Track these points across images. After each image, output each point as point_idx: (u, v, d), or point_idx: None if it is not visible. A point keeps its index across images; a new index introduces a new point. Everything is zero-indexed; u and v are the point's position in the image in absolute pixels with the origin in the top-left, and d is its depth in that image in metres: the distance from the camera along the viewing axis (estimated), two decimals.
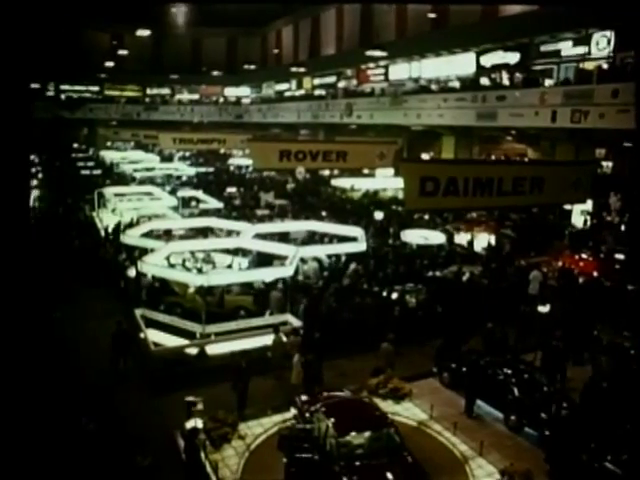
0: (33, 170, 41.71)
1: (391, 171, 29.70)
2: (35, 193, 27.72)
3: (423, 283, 16.53)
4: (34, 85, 50.59)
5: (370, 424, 9.00)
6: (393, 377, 11.80)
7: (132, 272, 16.66)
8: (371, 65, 37.08)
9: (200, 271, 15.77)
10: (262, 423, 10.47)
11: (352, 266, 17.81)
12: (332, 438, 8.55)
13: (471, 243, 22.15)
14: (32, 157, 45.70)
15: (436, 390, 11.93)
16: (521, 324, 14.13)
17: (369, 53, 30.68)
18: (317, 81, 44.71)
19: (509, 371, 11.00)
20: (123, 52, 48.79)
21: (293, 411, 10.14)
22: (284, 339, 12.90)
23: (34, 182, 35.31)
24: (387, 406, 10.88)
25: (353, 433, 8.67)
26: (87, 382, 10.67)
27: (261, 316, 14.27)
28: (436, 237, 20.72)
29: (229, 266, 17.24)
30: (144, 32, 40.47)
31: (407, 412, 10.97)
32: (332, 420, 8.79)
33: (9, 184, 3.51)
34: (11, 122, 3.48)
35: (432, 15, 32.08)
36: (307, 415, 9.46)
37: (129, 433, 9.20)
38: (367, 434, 8.75)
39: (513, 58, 26.49)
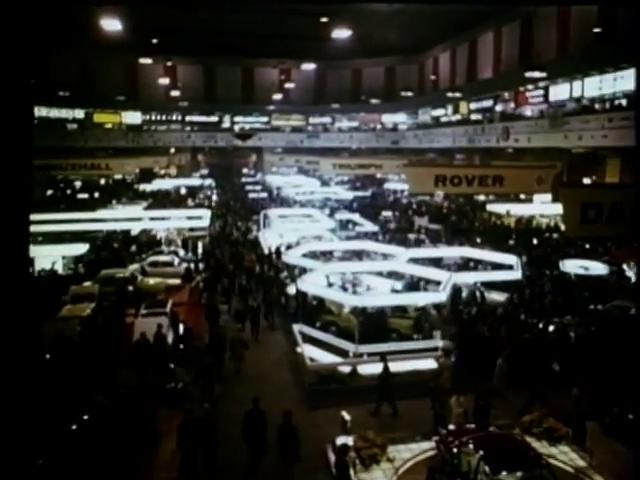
0: (209, 193, 46.70)
1: (548, 196, 28.22)
2: (211, 213, 30.88)
3: (583, 317, 15.47)
4: (213, 119, 57.00)
5: (524, 463, 8.48)
6: (548, 416, 11.23)
7: (292, 289, 17.99)
8: (530, 87, 35.65)
9: (345, 290, 16.51)
10: (410, 448, 10.43)
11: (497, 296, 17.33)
12: (484, 475, 8.20)
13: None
14: (210, 182, 51.14)
15: (596, 435, 11.04)
16: None
17: (528, 74, 29.65)
18: (473, 105, 44.00)
19: None
20: (290, 85, 52.60)
21: (435, 439, 10.05)
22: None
23: (212, 204, 39.40)
24: (541, 447, 10.23)
25: (505, 472, 8.20)
26: None
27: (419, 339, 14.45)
28: (597, 268, 19.24)
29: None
30: (309, 66, 43.42)
31: (563, 456, 10.23)
32: (484, 456, 8.43)
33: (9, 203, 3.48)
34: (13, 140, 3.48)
35: (597, 29, 30.04)
36: (453, 448, 9.22)
37: None
38: (520, 474, 8.25)
39: None
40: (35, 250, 22.16)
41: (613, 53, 27.81)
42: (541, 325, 15.22)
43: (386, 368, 12.21)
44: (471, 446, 8.83)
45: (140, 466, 10.02)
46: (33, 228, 22.76)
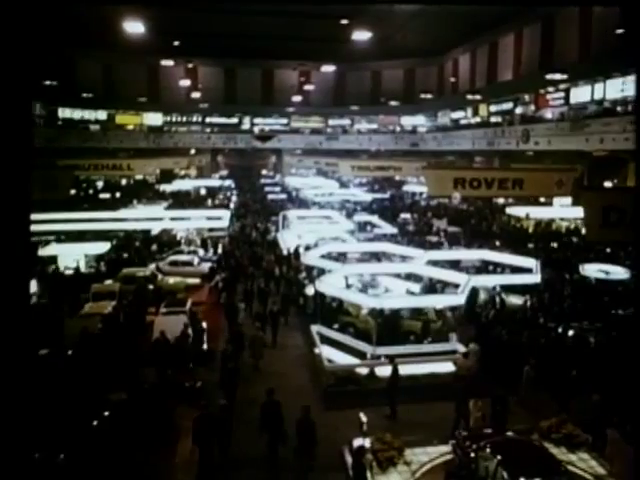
0: (229, 194, 47.06)
1: (568, 199, 27.91)
2: (230, 214, 31.13)
3: (603, 322, 15.28)
4: (233, 120, 57.46)
5: (542, 469, 8.42)
6: (567, 421, 11.11)
7: (310, 290, 18.08)
8: (550, 89, 35.33)
9: (365, 291, 16.56)
10: (428, 452, 10.39)
11: (515, 299, 17.17)
12: None
13: None
14: (230, 183, 51.52)
15: (616, 443, 10.85)
16: None
17: (549, 77, 29.40)
18: (493, 108, 43.78)
19: None
20: (309, 87, 52.76)
21: (452, 442, 10.05)
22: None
23: (230, 204, 39.69)
24: (560, 453, 10.12)
25: (523, 478, 8.12)
26: None
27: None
28: (618, 272, 18.99)
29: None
30: (329, 68, 43.51)
31: (582, 463, 10.07)
32: (502, 462, 8.37)
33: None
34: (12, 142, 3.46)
35: (620, 31, 29.62)
36: (470, 452, 9.21)
37: None
38: None
39: None
40: (58, 248, 22.65)
41: (636, 54, 27.37)
42: (560, 330, 15.08)
43: (395, 371, 12.23)
44: (489, 451, 8.78)
45: (159, 463, 10.16)
46: (57, 227, 23.29)
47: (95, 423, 10.23)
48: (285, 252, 24.02)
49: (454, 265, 18.94)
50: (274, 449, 10.17)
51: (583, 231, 25.58)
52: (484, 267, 20.03)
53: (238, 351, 13.97)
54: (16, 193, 3.48)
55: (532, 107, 38.86)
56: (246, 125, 57.91)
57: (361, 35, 21.69)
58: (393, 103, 53.71)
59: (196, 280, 21.40)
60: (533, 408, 12.04)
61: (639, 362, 7.75)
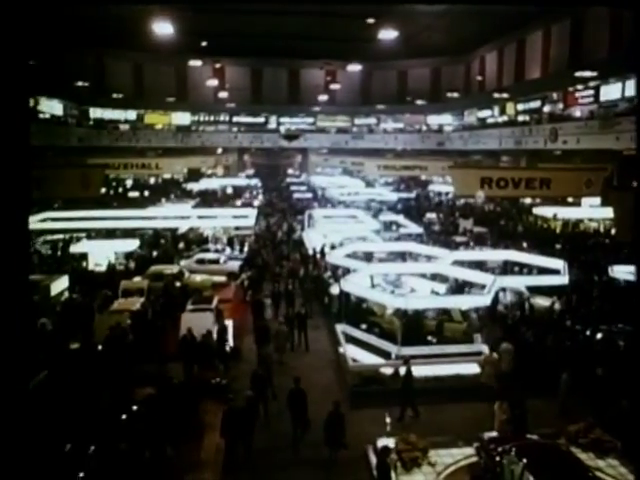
0: (254, 193, 47.41)
1: (597, 199, 27.37)
2: (256, 213, 31.37)
3: (633, 324, 14.95)
4: (260, 120, 57.87)
5: (570, 475, 8.32)
6: (595, 426, 10.92)
7: (335, 290, 18.13)
8: (580, 87, 34.67)
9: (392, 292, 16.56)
10: (452, 453, 10.36)
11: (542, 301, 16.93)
12: None
13: None
14: (256, 182, 51.88)
15: None
16: None
17: (579, 74, 28.90)
18: (521, 106, 43.20)
19: None
20: (335, 86, 52.81)
21: (476, 446, 10.01)
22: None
23: (256, 203, 39.98)
24: (588, 459, 9.92)
25: None
26: None
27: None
28: None
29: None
30: (355, 67, 43.44)
31: (612, 470, 9.87)
32: (528, 466, 8.28)
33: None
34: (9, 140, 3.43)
35: None
36: (495, 455, 9.15)
37: None
38: None
39: None
40: (89, 245, 23.20)
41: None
42: (588, 333, 14.84)
43: (409, 372, 12.21)
44: (514, 454, 8.70)
45: (185, 457, 10.33)
46: (87, 224, 23.82)
47: (123, 417, 10.46)
48: (310, 251, 24.09)
49: (479, 266, 18.78)
50: (298, 435, 10.68)
51: (612, 232, 25.13)
52: (510, 268, 19.82)
53: (263, 344, 14.24)
54: (16, 193, 3.47)
55: (560, 105, 38.28)
56: (272, 124, 58.39)
57: (387, 34, 21.63)
58: (419, 102, 53.40)
59: (222, 278, 21.65)
60: (570, 414, 11.83)
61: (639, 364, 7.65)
